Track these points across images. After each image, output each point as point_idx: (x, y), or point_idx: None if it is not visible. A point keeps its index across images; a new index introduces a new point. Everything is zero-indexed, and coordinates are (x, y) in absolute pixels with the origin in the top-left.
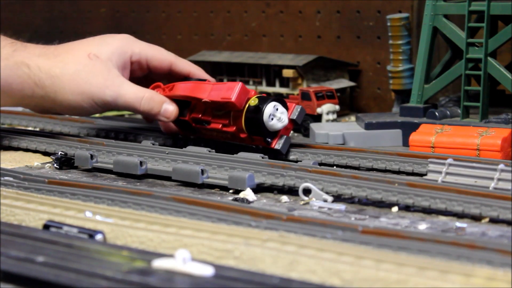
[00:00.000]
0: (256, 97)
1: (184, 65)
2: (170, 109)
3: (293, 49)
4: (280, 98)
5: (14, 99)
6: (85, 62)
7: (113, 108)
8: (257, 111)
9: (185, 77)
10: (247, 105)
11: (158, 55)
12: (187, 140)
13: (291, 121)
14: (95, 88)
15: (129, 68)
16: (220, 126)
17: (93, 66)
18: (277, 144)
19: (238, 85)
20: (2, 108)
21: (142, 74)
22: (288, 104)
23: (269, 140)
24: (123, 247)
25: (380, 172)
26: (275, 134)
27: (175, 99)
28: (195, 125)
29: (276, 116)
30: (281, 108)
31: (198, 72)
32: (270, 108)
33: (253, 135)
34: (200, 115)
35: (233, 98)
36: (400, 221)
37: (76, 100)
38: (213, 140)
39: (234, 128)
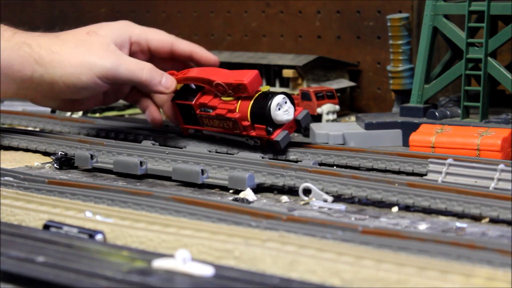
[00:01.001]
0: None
1: (185, 45)
2: (170, 79)
3: (293, 49)
4: (290, 95)
5: (14, 82)
6: (84, 38)
7: (113, 79)
8: (266, 97)
9: (189, 57)
10: (257, 93)
11: (158, 36)
12: (188, 140)
13: (295, 121)
14: (95, 57)
15: (128, 48)
16: (225, 111)
17: (92, 40)
18: (278, 136)
19: (253, 71)
20: (2, 108)
21: (145, 59)
22: (296, 107)
23: (270, 129)
24: (123, 247)
25: (380, 172)
26: (278, 126)
27: (185, 85)
28: (198, 112)
29: (283, 108)
30: (289, 103)
31: (201, 51)
32: (279, 98)
33: (256, 123)
34: (208, 101)
35: (245, 81)
36: (400, 221)
37: (75, 73)
38: (212, 139)
39: (239, 114)
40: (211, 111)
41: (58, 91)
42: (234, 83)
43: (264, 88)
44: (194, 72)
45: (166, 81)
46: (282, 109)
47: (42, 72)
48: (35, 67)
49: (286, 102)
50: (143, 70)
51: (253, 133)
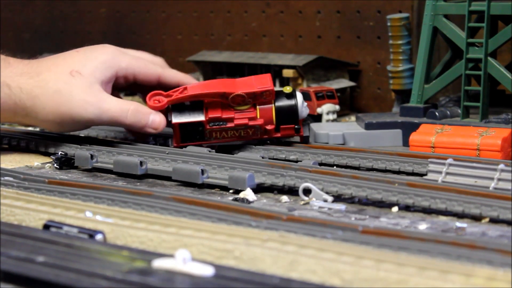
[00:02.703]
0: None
1: (172, 75)
2: (157, 119)
3: (293, 49)
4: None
5: None
6: (65, 80)
7: (96, 125)
8: (289, 97)
9: (175, 86)
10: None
11: (144, 70)
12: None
13: (304, 138)
14: (76, 108)
15: (112, 82)
16: (247, 120)
17: (74, 84)
18: (304, 132)
19: (267, 76)
20: None
21: (127, 85)
22: None
23: (298, 127)
24: (123, 247)
25: (380, 172)
26: (298, 122)
27: (178, 104)
28: (208, 127)
29: (304, 104)
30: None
31: (187, 79)
32: (300, 95)
33: (283, 124)
34: (220, 114)
35: (271, 86)
36: (400, 221)
37: (56, 121)
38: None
39: (262, 120)
40: (226, 123)
41: (43, 127)
42: (258, 91)
43: (287, 89)
44: (199, 88)
45: (153, 122)
46: (304, 105)
47: (24, 115)
48: (17, 110)
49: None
50: (127, 114)
51: (277, 135)
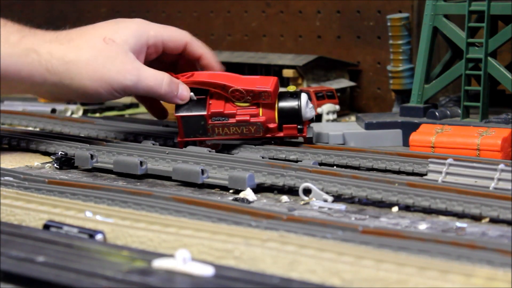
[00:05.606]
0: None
1: (198, 46)
2: (185, 91)
3: (293, 49)
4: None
5: (24, 85)
6: (100, 47)
7: (131, 93)
8: (296, 97)
9: (197, 59)
10: (279, 94)
11: (174, 36)
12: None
13: (307, 139)
14: (114, 73)
15: (145, 52)
16: (248, 117)
17: (110, 50)
18: (308, 133)
19: (274, 78)
20: (2, 108)
21: (156, 56)
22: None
23: (301, 128)
24: (123, 247)
25: (380, 172)
26: (303, 123)
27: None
28: (210, 122)
29: (309, 105)
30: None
31: (210, 56)
32: (305, 96)
33: (286, 124)
34: (222, 109)
35: (271, 88)
36: (400, 221)
37: (93, 86)
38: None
39: (264, 118)
40: (227, 119)
41: (73, 97)
42: (256, 91)
43: (291, 88)
44: (203, 76)
45: (181, 93)
46: (308, 106)
47: (56, 81)
48: (47, 76)
49: (309, 99)
50: (162, 84)
51: (280, 134)
